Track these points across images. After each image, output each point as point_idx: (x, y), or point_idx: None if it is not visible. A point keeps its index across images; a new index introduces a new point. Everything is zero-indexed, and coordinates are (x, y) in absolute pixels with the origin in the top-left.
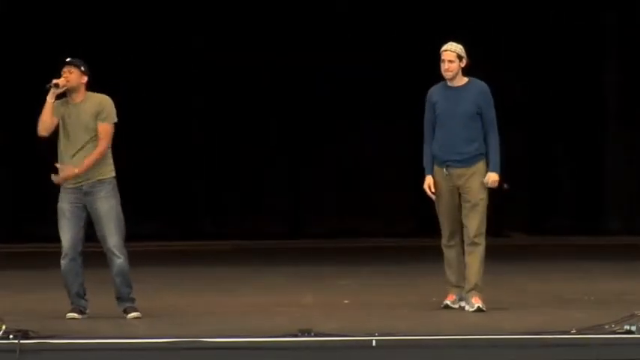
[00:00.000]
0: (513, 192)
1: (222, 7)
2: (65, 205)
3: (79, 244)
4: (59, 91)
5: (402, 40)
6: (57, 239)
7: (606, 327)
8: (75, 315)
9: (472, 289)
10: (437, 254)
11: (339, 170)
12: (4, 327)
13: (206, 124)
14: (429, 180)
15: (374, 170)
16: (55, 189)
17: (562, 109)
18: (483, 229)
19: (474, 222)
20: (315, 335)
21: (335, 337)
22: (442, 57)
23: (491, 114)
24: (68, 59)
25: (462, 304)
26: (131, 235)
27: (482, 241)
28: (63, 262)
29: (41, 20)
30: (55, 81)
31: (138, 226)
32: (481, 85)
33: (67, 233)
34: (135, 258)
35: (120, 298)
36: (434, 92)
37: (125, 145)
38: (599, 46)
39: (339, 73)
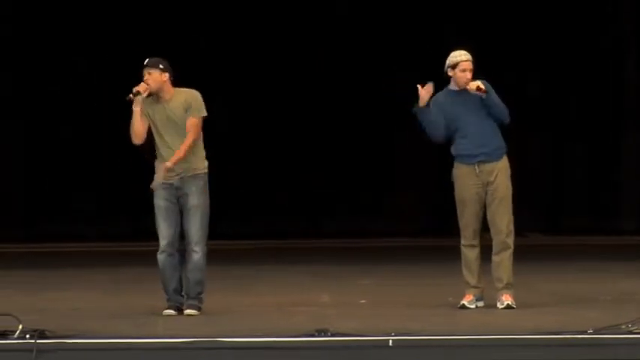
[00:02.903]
0: (530, 192)
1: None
2: (160, 202)
3: (176, 240)
4: (143, 96)
5: (405, 41)
6: (72, 238)
7: (623, 327)
8: (172, 312)
9: (504, 287)
10: (454, 254)
11: (357, 170)
12: (20, 326)
13: (219, 124)
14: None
15: (391, 169)
16: (67, 188)
17: (580, 108)
18: (512, 227)
19: (504, 218)
20: (332, 335)
21: (352, 337)
22: (462, 67)
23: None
24: (145, 61)
25: (479, 304)
26: (147, 235)
27: (512, 241)
28: (160, 257)
29: (47, 24)
30: (135, 89)
31: (154, 226)
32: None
33: (164, 230)
34: (151, 258)
35: (186, 295)
36: (439, 97)
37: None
38: (618, 46)
39: (348, 74)
